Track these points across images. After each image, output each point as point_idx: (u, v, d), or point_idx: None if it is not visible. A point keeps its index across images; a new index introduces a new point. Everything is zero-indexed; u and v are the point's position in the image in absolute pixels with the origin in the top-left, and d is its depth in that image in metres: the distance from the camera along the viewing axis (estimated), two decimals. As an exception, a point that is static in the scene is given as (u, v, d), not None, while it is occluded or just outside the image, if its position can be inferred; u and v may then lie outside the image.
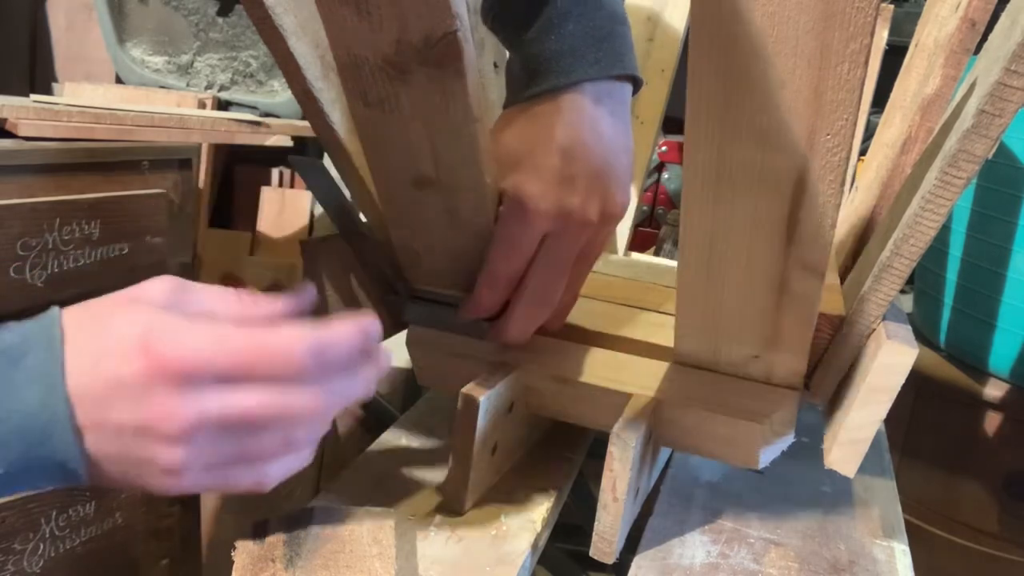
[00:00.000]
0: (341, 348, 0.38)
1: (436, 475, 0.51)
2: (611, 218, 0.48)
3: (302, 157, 0.46)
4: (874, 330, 0.46)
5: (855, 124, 0.34)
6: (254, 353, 0.36)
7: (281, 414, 0.37)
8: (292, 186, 1.93)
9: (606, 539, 0.44)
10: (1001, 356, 1.05)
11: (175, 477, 0.37)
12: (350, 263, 0.53)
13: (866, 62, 0.32)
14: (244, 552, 0.43)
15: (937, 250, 1.12)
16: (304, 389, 0.37)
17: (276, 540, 0.43)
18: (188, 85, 1.80)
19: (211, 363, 0.36)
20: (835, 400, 0.49)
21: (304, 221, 1.91)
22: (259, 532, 0.44)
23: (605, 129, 0.47)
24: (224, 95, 1.79)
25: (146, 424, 0.36)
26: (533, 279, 0.48)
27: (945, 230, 1.10)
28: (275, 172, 1.93)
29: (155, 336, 0.36)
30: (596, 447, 0.57)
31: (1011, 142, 0.99)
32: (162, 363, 0.35)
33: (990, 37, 0.51)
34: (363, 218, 0.54)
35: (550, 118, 0.47)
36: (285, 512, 0.45)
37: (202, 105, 1.67)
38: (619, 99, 0.48)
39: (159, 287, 0.39)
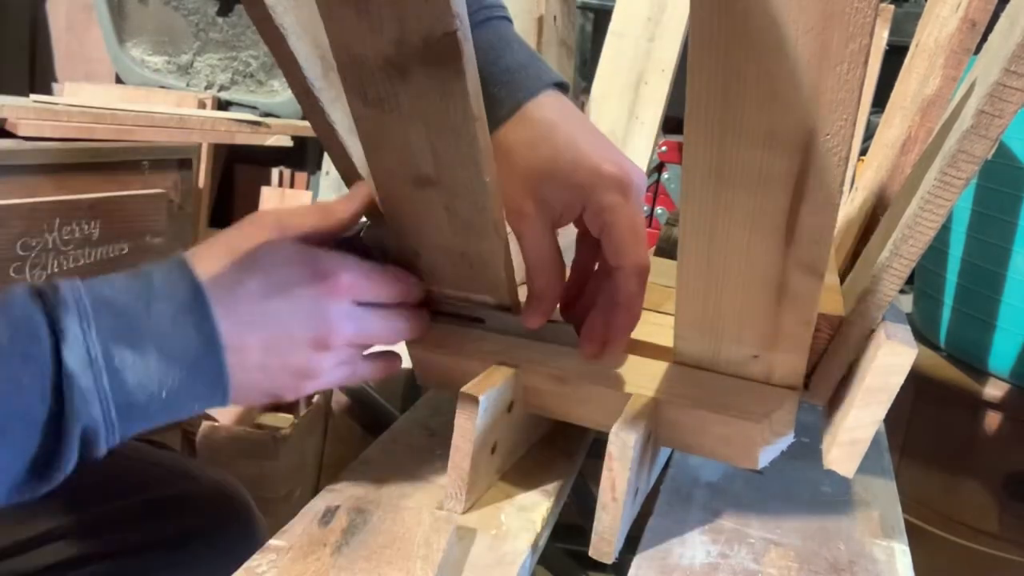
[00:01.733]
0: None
1: (436, 475, 0.51)
2: None
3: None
4: (873, 330, 0.46)
5: (855, 124, 0.34)
6: (388, 287, 0.48)
7: (382, 337, 0.49)
8: (292, 186, 1.92)
9: (605, 539, 0.44)
10: (1001, 356, 1.05)
11: (311, 380, 0.46)
12: (350, 263, 0.53)
13: (865, 62, 0.32)
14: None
15: (937, 250, 1.12)
16: (397, 316, 0.49)
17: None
18: (188, 85, 1.80)
19: (367, 288, 0.47)
20: (835, 400, 0.49)
21: (304, 221, 1.90)
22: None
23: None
24: (224, 95, 1.79)
25: (309, 337, 0.45)
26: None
27: (945, 230, 1.10)
28: (275, 172, 1.93)
29: (323, 260, 0.46)
30: (596, 447, 0.57)
31: (1011, 142, 0.99)
32: (338, 283, 0.45)
33: (990, 37, 0.51)
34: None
35: (558, 129, 0.49)
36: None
37: (202, 105, 1.67)
38: None
39: (268, 218, 0.47)
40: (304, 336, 0.44)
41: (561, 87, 0.51)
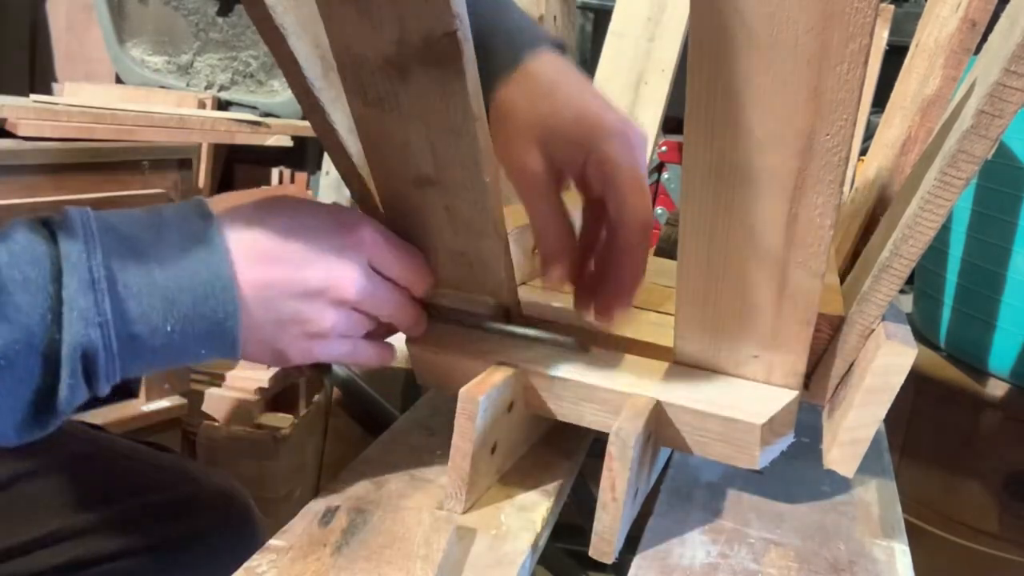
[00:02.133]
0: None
1: (436, 475, 0.51)
2: None
3: None
4: (873, 330, 0.46)
5: (855, 124, 0.34)
6: (404, 263, 0.47)
7: (391, 309, 0.47)
8: (292, 186, 1.92)
9: (605, 539, 0.44)
10: (1001, 356, 1.05)
11: (320, 341, 0.45)
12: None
13: (865, 62, 0.32)
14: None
15: (937, 250, 1.12)
16: (405, 295, 0.48)
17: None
18: (188, 85, 1.80)
19: (386, 252, 0.46)
20: (835, 400, 0.49)
21: (304, 221, 1.90)
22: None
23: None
24: (224, 95, 1.79)
25: (325, 286, 0.43)
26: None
27: (945, 230, 1.10)
28: (275, 172, 1.93)
29: (347, 214, 0.45)
30: (596, 447, 0.57)
31: (1011, 142, 0.99)
32: (361, 238, 0.44)
33: (990, 37, 0.51)
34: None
35: (559, 85, 0.48)
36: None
37: (202, 105, 1.67)
38: None
39: (289, 188, 0.48)
40: (320, 284, 0.43)
41: (560, 48, 0.51)
